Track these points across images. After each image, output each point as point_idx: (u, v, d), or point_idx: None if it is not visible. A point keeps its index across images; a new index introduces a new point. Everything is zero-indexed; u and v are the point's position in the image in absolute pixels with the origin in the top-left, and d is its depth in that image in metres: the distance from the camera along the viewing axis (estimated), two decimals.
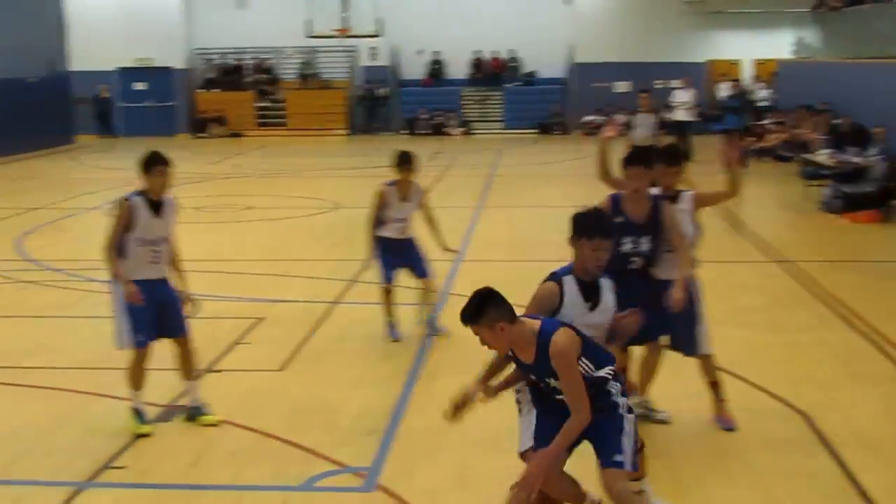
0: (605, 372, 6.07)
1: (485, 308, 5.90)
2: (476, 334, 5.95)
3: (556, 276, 6.42)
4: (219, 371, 10.02)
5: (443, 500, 7.13)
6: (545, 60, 40.78)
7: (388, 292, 11.17)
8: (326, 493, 7.24)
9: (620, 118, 10.14)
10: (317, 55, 41.83)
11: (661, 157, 8.35)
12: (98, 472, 7.64)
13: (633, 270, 8.01)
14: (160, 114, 41.50)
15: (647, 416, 8.44)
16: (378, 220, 11.12)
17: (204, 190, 25.42)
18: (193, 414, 8.58)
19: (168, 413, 8.83)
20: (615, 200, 8.02)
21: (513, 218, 19.81)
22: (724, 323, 10.54)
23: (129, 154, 34.97)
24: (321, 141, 37.89)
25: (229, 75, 41.99)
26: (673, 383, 8.88)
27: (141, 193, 8.52)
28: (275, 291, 13.49)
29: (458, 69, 41.56)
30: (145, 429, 8.34)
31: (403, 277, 11.35)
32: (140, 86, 41.61)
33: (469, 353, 8.11)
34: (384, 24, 39.33)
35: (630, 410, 6.14)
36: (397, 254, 11.11)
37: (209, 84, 41.85)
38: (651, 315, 8.23)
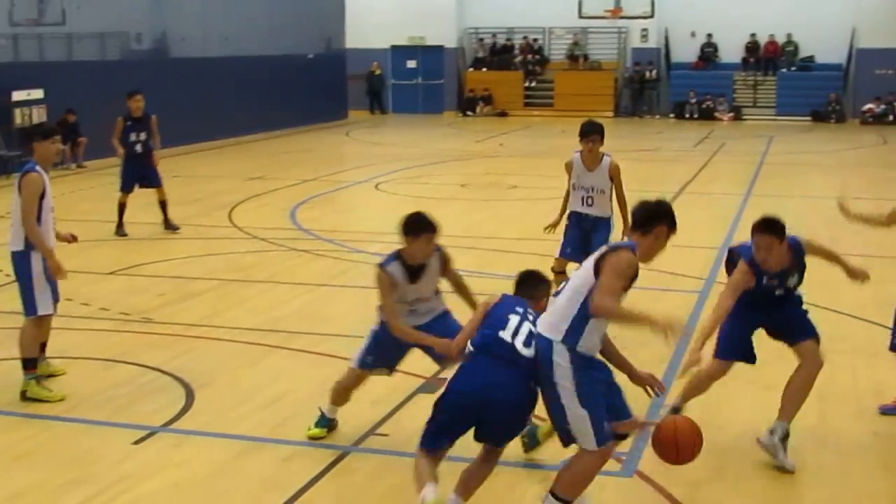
0: None
1: None
2: None
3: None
4: None
5: (702, 491, 7.01)
6: (824, 45, 39.22)
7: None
8: None
9: None
10: (587, 36, 41.68)
11: None
12: (362, 439, 7.87)
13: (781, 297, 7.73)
14: (429, 91, 42.26)
15: None
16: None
17: (469, 167, 25.77)
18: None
19: (430, 385, 8.98)
20: (752, 263, 7.51)
21: (782, 208, 19.10)
22: None
23: (398, 130, 36.11)
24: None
25: (499, 55, 42.35)
26: None
27: (399, 257, 7.60)
28: None
29: (731, 53, 40.53)
30: (317, 432, 7.95)
31: None
32: (411, 64, 42.46)
33: None
34: (656, 5, 38.81)
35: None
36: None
37: (478, 63, 42.33)
38: None
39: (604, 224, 10.68)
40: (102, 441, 7.89)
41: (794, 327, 7.77)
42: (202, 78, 29.38)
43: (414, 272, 7.60)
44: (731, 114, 38.84)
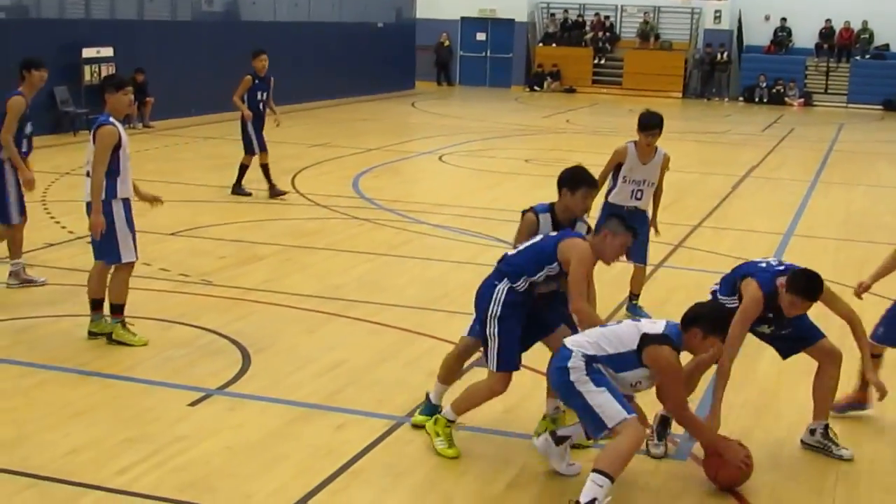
0: None
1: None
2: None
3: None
4: None
5: (757, 478, 6.94)
6: None
7: None
8: (637, 456, 7.15)
9: None
10: (659, 15, 41.29)
11: None
12: (417, 409, 7.84)
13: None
14: (497, 65, 42.09)
15: None
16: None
17: (535, 143, 25.68)
18: None
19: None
20: (768, 298, 7.07)
21: (849, 196, 18.98)
22: None
23: (464, 103, 35.95)
24: (654, 102, 37.10)
25: (569, 31, 42.04)
26: None
27: (551, 210, 7.63)
28: None
29: (804, 38, 39.90)
30: (421, 419, 7.56)
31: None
32: (480, 36, 42.29)
33: None
34: None
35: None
36: None
37: (548, 38, 42.08)
38: None
39: (644, 217, 10.34)
40: (159, 401, 7.96)
41: (796, 338, 7.43)
42: (271, 42, 29.16)
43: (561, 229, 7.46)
44: (802, 99, 38.32)
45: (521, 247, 7.16)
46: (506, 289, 6.94)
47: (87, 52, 23.35)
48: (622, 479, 6.76)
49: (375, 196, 16.72)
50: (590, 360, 6.39)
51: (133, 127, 23.76)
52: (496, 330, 6.93)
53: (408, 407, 7.90)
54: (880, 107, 37.48)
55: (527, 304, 6.99)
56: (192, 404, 7.87)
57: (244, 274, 11.78)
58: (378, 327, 9.95)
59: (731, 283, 7.39)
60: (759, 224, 15.77)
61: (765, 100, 38.25)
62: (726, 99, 39.36)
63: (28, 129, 10.66)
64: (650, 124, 10.18)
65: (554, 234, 7.23)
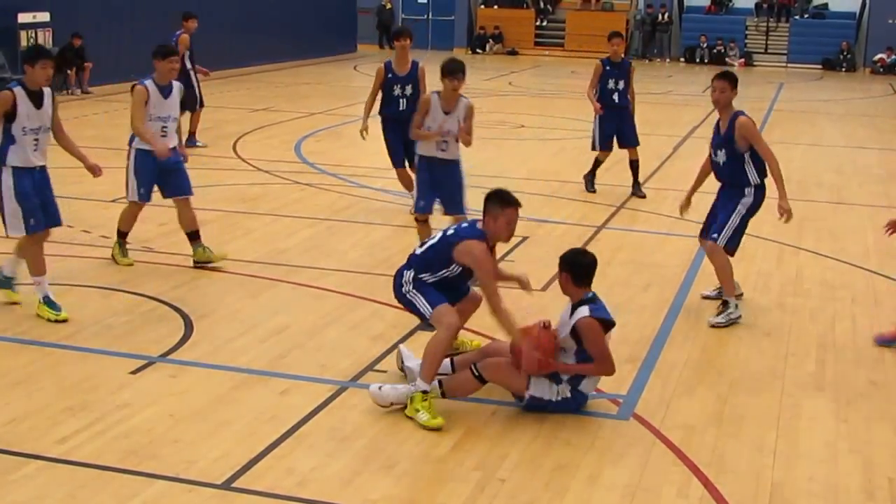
0: None
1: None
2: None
3: None
4: None
5: (697, 435, 7.01)
6: None
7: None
8: (582, 416, 7.20)
9: None
10: None
11: None
12: (361, 374, 7.85)
13: None
14: (439, 28, 41.92)
15: None
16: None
17: (477, 106, 25.33)
18: None
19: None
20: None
21: (789, 154, 19.08)
22: None
23: None
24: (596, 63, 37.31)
25: None
26: None
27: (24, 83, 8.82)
28: (542, 211, 13.48)
29: None
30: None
31: None
32: None
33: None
34: None
35: None
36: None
37: (490, 0, 41.95)
38: None
39: None
40: (100, 369, 7.88)
41: None
42: (210, 6, 29.10)
43: (37, 98, 8.81)
44: (742, 59, 38.55)
45: (424, 247, 7.61)
46: (412, 275, 7.47)
47: (23, 17, 23.00)
48: (566, 438, 6.83)
49: (318, 160, 16.63)
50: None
51: (71, 93, 23.48)
52: (414, 292, 7.45)
53: (352, 372, 7.90)
54: (819, 66, 37.80)
55: (436, 283, 7.49)
56: (135, 372, 7.81)
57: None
58: (321, 292, 9.92)
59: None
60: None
61: (706, 60, 38.43)
62: (667, 59, 39.51)
63: None
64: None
65: (450, 232, 7.52)
